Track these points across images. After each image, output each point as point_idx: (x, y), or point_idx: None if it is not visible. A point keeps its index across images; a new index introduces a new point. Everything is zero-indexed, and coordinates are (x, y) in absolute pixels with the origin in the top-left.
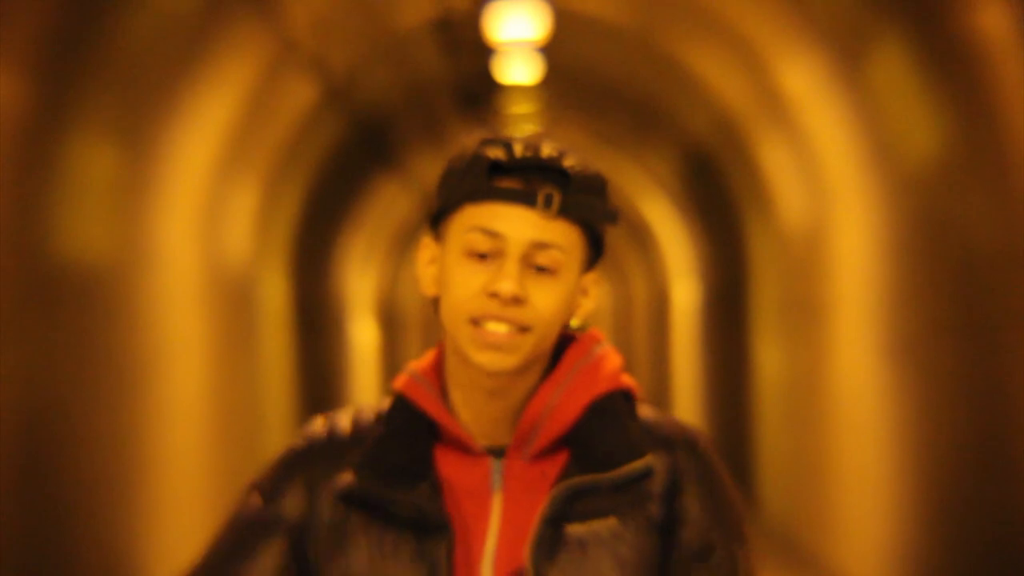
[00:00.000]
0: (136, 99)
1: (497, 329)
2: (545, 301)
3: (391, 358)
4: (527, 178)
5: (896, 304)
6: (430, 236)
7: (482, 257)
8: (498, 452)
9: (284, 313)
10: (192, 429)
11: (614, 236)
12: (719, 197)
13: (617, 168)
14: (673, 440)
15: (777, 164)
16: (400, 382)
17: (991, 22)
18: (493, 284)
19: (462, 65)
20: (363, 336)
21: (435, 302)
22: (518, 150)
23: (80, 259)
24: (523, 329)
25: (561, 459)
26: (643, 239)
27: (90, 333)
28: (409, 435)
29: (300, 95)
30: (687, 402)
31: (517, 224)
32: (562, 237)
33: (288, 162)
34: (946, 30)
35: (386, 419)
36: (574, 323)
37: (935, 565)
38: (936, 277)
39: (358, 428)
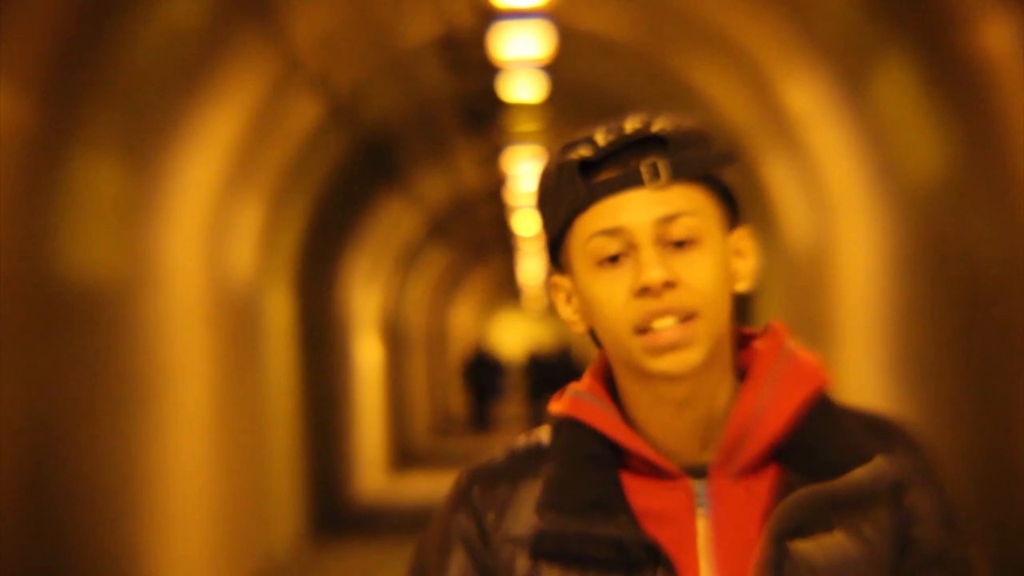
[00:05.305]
0: (141, 117)
1: (664, 325)
2: (699, 276)
3: (395, 376)
4: (623, 161)
5: (901, 321)
6: (556, 275)
7: (614, 260)
8: (695, 472)
9: (288, 330)
10: (196, 445)
11: None
12: None
13: None
14: (891, 435)
15: (782, 182)
16: (565, 406)
17: (994, 41)
18: (638, 280)
19: (467, 83)
20: (367, 354)
21: (592, 334)
22: (601, 139)
23: (85, 276)
24: (689, 316)
25: (769, 474)
26: None
27: (95, 350)
28: (590, 464)
29: (305, 113)
30: None
31: (633, 209)
32: (686, 202)
33: (293, 180)
34: (949, 49)
35: (556, 449)
36: (741, 288)
37: None
38: (940, 294)
39: (517, 466)
